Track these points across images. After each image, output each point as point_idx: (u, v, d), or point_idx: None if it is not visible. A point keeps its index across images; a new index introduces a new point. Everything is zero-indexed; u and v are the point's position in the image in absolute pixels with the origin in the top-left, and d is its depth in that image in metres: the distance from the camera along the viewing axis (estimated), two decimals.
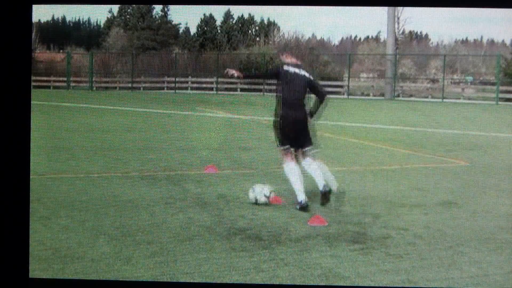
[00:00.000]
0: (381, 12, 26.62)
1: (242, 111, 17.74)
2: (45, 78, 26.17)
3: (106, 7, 33.24)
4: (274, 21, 31.89)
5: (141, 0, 14.62)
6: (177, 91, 26.67)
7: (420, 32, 32.37)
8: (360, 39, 32.50)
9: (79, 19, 31.55)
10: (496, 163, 9.36)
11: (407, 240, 5.26)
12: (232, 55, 30.13)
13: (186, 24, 32.45)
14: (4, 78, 3.92)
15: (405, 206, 6.44)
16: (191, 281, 4.25)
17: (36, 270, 4.26)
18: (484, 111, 19.70)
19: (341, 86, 26.70)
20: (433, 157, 9.84)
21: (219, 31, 33.13)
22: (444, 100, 23.92)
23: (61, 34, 30.20)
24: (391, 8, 25.59)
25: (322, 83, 26.58)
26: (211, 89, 26.83)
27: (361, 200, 6.64)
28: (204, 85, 27.16)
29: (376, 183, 7.74)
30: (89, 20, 32.04)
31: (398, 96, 25.62)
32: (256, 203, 6.34)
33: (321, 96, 6.34)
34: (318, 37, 32.04)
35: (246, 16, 32.95)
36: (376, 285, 4.26)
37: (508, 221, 5.97)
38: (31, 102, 4.00)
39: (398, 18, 27.07)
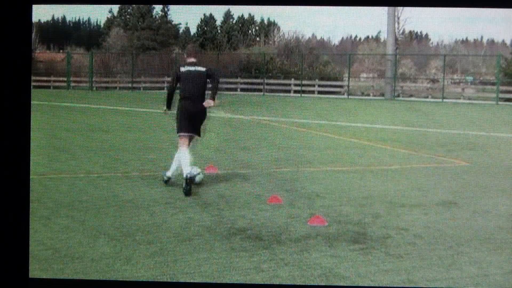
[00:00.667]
0: (381, 12, 26.64)
1: (242, 111, 17.73)
2: (45, 78, 26.18)
3: (106, 7, 33.25)
4: (274, 21, 31.92)
5: (141, 0, 14.63)
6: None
7: (420, 32, 32.40)
8: (360, 39, 32.53)
9: (79, 19, 31.58)
10: (496, 163, 9.36)
11: (407, 240, 5.26)
12: (232, 55, 30.13)
13: (186, 24, 32.49)
14: (4, 78, 3.92)
15: (405, 206, 6.44)
16: (191, 281, 4.25)
17: (36, 270, 4.26)
18: (484, 111, 19.70)
19: (341, 86, 26.71)
20: (433, 157, 9.84)
21: (219, 31, 33.14)
22: (444, 100, 23.92)
23: (61, 34, 30.21)
24: (391, 8, 25.60)
25: (322, 83, 26.65)
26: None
27: (361, 200, 6.64)
28: None
29: (376, 183, 7.74)
30: (89, 20, 32.06)
31: (398, 96, 25.62)
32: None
33: (214, 82, 7.27)
34: (318, 37, 32.07)
35: (246, 16, 32.98)
36: (376, 285, 4.26)
37: (508, 221, 5.97)
38: (31, 102, 4.00)
39: (398, 18, 27.09)
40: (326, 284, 4.23)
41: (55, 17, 30.51)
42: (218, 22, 33.00)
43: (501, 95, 23.24)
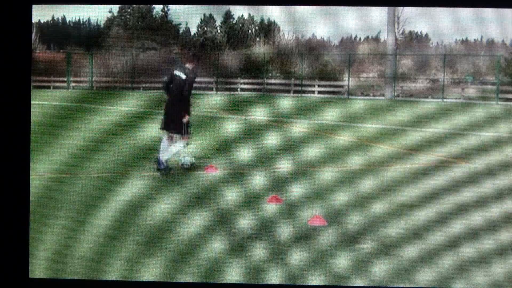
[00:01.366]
0: (381, 12, 26.64)
1: (242, 111, 17.74)
2: (45, 78, 26.17)
3: (106, 7, 33.26)
4: (274, 21, 31.90)
5: (141, 0, 14.63)
6: None
7: (420, 32, 32.39)
8: (360, 39, 32.52)
9: (79, 19, 31.57)
10: (496, 163, 9.36)
11: (407, 240, 5.26)
12: (232, 55, 30.13)
13: (186, 24, 32.47)
14: (4, 78, 3.92)
15: (405, 206, 6.44)
16: (191, 281, 4.25)
17: (36, 270, 4.27)
18: (484, 111, 19.70)
19: (341, 86, 26.71)
20: (433, 157, 9.84)
21: (219, 31, 33.13)
22: (444, 100, 23.92)
23: (61, 34, 30.20)
24: (391, 8, 25.60)
25: (322, 83, 26.65)
26: (211, 89, 26.83)
27: (361, 200, 6.64)
28: (204, 85, 27.16)
29: (376, 183, 7.75)
30: (89, 20, 32.05)
31: (398, 96, 25.62)
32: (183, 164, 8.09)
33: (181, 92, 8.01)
34: (318, 37, 32.06)
35: (246, 16, 32.97)
36: (376, 285, 4.26)
37: (508, 221, 5.97)
38: (31, 102, 4.00)
39: (398, 18, 27.08)
40: (326, 284, 4.23)
41: (55, 17, 30.52)
42: (218, 22, 33.00)
43: (501, 95, 23.23)
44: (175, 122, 7.99)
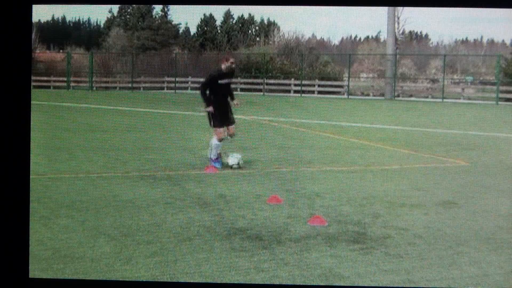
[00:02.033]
0: (381, 12, 26.64)
1: (242, 111, 17.72)
2: (45, 78, 26.16)
3: (106, 7, 33.26)
4: (274, 21, 31.87)
5: (141, 0, 14.62)
6: (177, 91, 26.67)
7: (420, 32, 32.36)
8: (360, 39, 32.49)
9: (79, 19, 31.55)
10: (496, 163, 9.36)
11: (407, 240, 5.26)
12: (232, 55, 30.12)
13: (186, 24, 32.45)
14: (4, 78, 3.92)
15: (405, 206, 6.44)
16: (191, 281, 4.25)
17: (36, 270, 4.27)
18: (484, 111, 19.69)
19: (341, 86, 26.70)
20: (433, 157, 9.84)
21: (219, 31, 33.12)
22: (444, 100, 23.91)
23: (61, 34, 30.19)
24: (391, 8, 25.59)
25: (322, 83, 26.67)
26: None
27: (361, 200, 6.64)
28: None
29: (376, 183, 7.75)
30: (89, 20, 32.03)
31: (398, 96, 25.61)
32: (238, 164, 8.37)
33: None
34: (318, 37, 32.03)
35: (246, 16, 32.94)
36: (376, 285, 4.26)
37: (508, 221, 5.97)
38: (31, 102, 4.00)
39: (398, 18, 27.06)
40: (326, 284, 4.23)
41: (55, 17, 30.51)
42: (218, 22, 32.98)
43: (501, 95, 23.22)
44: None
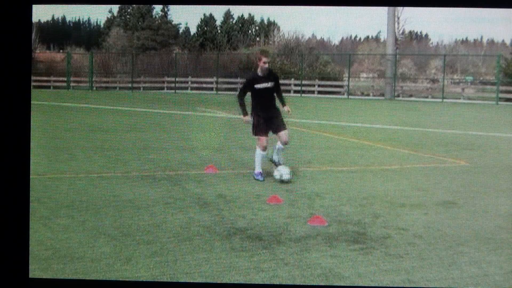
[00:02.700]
0: (381, 12, 26.64)
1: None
2: (45, 78, 26.17)
3: (106, 7, 33.28)
4: (274, 21, 31.89)
5: (141, 0, 14.63)
6: (177, 91, 26.67)
7: (420, 32, 32.37)
8: (360, 39, 32.51)
9: (79, 19, 31.56)
10: (496, 163, 9.36)
11: (407, 240, 5.26)
12: (232, 55, 30.12)
13: (186, 24, 32.47)
14: (4, 78, 3.92)
15: (405, 206, 6.44)
16: (191, 281, 4.25)
17: (36, 270, 4.27)
18: (484, 111, 19.70)
19: (341, 86, 26.71)
20: (433, 157, 9.84)
21: (219, 31, 33.13)
22: (444, 100, 23.92)
23: (61, 34, 30.20)
24: (391, 8, 25.60)
25: (322, 83, 26.66)
26: (211, 89, 26.83)
27: (361, 200, 6.64)
28: (204, 85, 27.16)
29: (376, 183, 7.75)
30: (89, 20, 32.04)
31: (398, 96, 25.62)
32: (281, 180, 7.49)
33: None
34: (318, 37, 32.04)
35: (246, 16, 32.96)
36: (376, 285, 4.26)
37: (508, 221, 5.97)
38: (31, 102, 4.00)
39: (398, 18, 27.07)
40: (326, 284, 4.23)
41: (55, 17, 30.51)
42: (218, 22, 33.00)
43: (501, 95, 23.23)
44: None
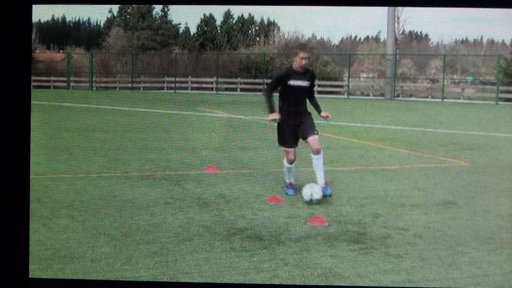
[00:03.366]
0: (381, 12, 26.65)
1: (242, 111, 17.72)
2: (45, 78, 26.18)
3: (106, 7, 33.27)
4: (274, 21, 31.91)
5: (141, 0, 14.62)
6: (177, 91, 26.68)
7: (420, 32, 32.38)
8: (360, 39, 32.51)
9: (79, 19, 31.57)
10: (496, 163, 9.36)
11: (407, 240, 5.26)
12: (232, 55, 30.13)
13: (186, 24, 32.47)
14: (4, 78, 3.92)
15: (405, 206, 6.44)
16: (191, 281, 4.25)
17: (36, 270, 4.26)
18: (484, 111, 19.69)
19: (341, 86, 26.71)
20: (433, 157, 9.84)
21: (219, 31, 33.13)
22: (444, 100, 23.92)
23: (61, 34, 30.21)
24: (391, 8, 25.60)
25: (322, 83, 26.67)
26: (211, 89, 26.84)
27: (361, 200, 6.64)
28: (204, 85, 27.17)
29: (376, 183, 7.74)
30: (89, 20, 32.05)
31: (398, 96, 25.62)
32: (311, 200, 6.37)
33: None
34: (318, 37, 32.06)
35: (246, 16, 32.97)
36: (376, 285, 4.26)
37: (508, 221, 5.97)
38: (31, 102, 4.00)
39: (398, 18, 27.07)
40: (326, 284, 4.23)
41: (55, 17, 30.53)
42: (218, 22, 33.01)
43: (501, 95, 23.23)
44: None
